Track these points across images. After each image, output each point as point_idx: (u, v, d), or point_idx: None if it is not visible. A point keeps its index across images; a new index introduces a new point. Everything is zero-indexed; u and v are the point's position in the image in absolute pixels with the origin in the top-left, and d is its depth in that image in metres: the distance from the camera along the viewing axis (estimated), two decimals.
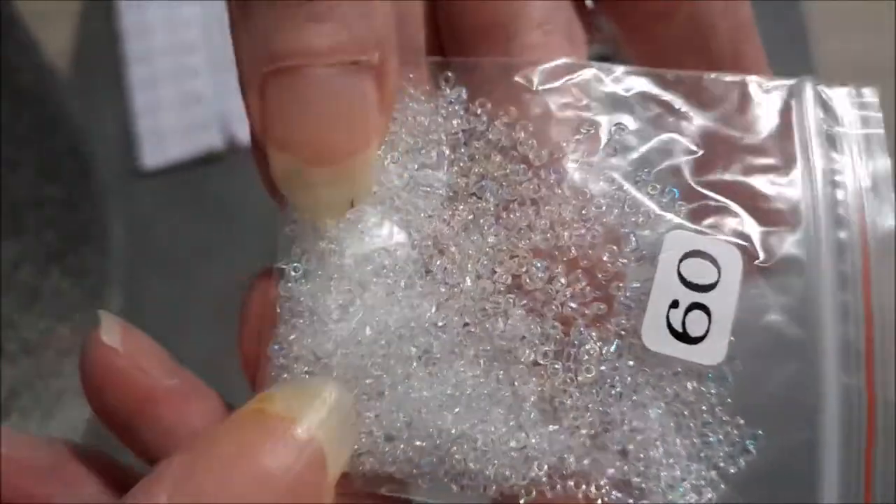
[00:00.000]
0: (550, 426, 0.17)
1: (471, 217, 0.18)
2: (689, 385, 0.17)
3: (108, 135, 0.76)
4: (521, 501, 0.17)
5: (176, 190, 0.75)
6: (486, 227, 0.18)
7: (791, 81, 0.19)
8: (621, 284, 0.18)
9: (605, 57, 0.20)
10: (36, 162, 0.40)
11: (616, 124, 0.19)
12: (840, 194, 0.18)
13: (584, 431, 0.17)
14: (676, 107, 0.19)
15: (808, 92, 0.19)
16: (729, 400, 0.17)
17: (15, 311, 0.39)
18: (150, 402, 0.18)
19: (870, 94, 0.19)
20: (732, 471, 0.17)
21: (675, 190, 0.18)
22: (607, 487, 0.17)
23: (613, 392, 0.17)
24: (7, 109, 0.39)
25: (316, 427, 0.16)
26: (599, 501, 0.17)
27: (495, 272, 0.18)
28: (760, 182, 0.19)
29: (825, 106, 0.19)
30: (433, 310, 0.18)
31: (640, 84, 0.19)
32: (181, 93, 0.77)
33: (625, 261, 0.18)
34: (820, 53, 0.78)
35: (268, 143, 0.17)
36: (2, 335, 0.38)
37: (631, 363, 0.18)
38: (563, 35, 0.19)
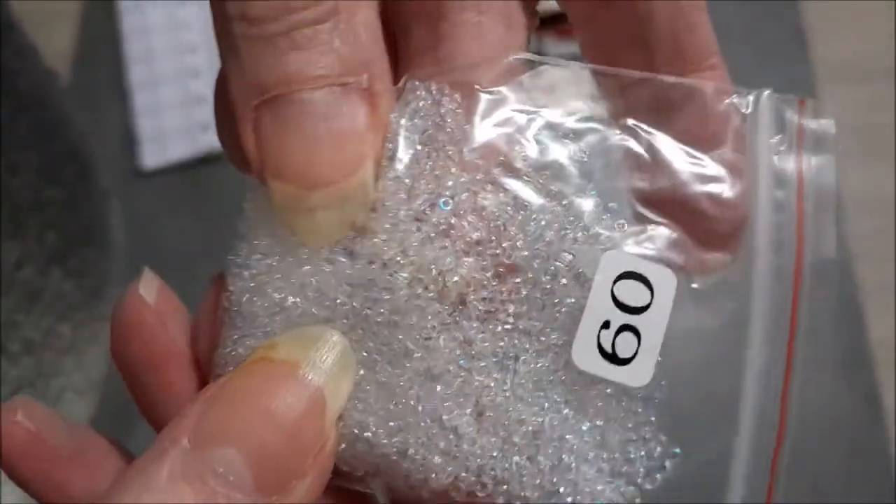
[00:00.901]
0: (485, 437, 0.17)
1: (418, 225, 0.18)
2: (617, 402, 0.18)
3: (108, 135, 0.76)
4: None
5: (176, 190, 0.75)
6: (435, 239, 0.18)
7: (750, 94, 0.19)
8: (557, 300, 0.18)
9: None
10: (36, 165, 0.41)
11: (564, 132, 0.18)
12: (782, 218, 0.18)
13: (516, 440, 0.17)
14: (629, 114, 0.19)
15: (765, 107, 0.19)
16: (653, 419, 0.18)
17: (16, 311, 0.39)
18: (165, 363, 0.19)
19: (826, 114, 0.19)
20: (648, 487, 0.18)
21: (616, 207, 0.18)
22: (532, 494, 0.17)
23: (546, 405, 0.18)
24: (7, 113, 0.39)
25: (315, 371, 0.17)
26: None
27: (446, 286, 0.18)
28: (704, 201, 0.18)
29: (780, 122, 0.19)
30: (377, 320, 0.18)
31: (594, 86, 0.19)
32: (182, 93, 0.77)
33: (564, 280, 0.18)
34: (820, 53, 0.78)
35: (265, 174, 0.17)
36: (3, 335, 0.38)
37: (564, 378, 0.18)
38: (498, 17, 0.18)
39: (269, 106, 0.17)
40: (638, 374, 0.17)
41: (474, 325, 0.18)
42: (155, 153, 0.75)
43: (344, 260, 0.18)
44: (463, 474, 0.17)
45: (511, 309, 0.18)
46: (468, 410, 0.18)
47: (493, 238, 0.18)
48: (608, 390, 0.18)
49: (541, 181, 0.18)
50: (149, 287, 0.19)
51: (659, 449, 0.18)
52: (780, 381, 0.18)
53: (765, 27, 0.78)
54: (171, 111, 0.76)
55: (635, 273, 0.18)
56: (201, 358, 0.19)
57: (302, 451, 0.16)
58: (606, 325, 0.17)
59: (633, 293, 0.18)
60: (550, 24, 0.76)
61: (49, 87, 0.46)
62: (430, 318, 0.18)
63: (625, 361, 0.17)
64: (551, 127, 0.18)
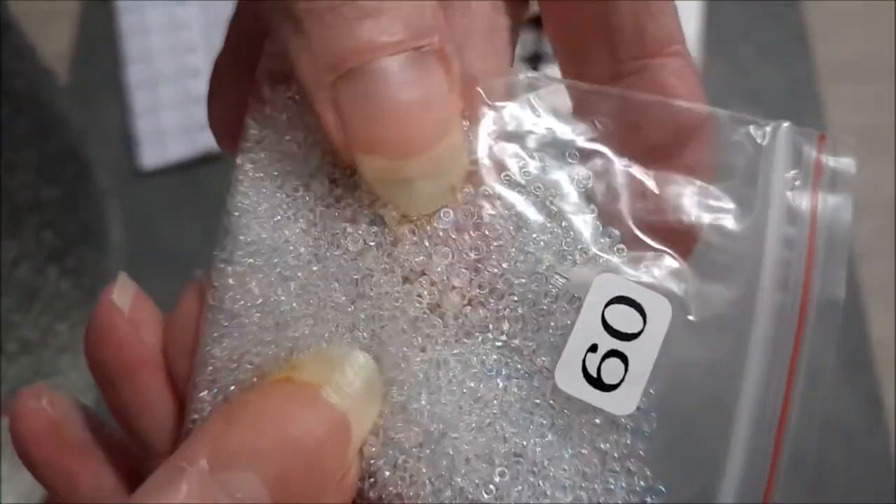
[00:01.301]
0: (470, 455, 0.17)
1: (412, 228, 0.17)
2: (604, 433, 0.17)
3: (107, 135, 0.76)
4: None
5: (176, 190, 0.75)
6: (429, 248, 0.17)
7: (767, 125, 0.18)
8: (553, 323, 0.17)
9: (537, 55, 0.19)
10: (35, 164, 0.41)
11: (570, 152, 0.18)
12: (791, 255, 0.17)
13: (496, 460, 0.17)
14: (636, 138, 0.18)
15: (782, 139, 0.18)
16: (641, 452, 0.17)
17: (14, 310, 0.39)
18: (137, 371, 0.19)
19: (846, 151, 0.18)
20: None
21: (616, 231, 0.18)
22: None
23: (531, 427, 0.17)
24: (5, 113, 0.39)
25: (340, 394, 0.16)
26: None
27: (439, 295, 0.17)
28: (709, 231, 0.17)
29: (797, 156, 0.18)
30: (362, 322, 0.17)
31: (602, 107, 0.18)
32: (181, 93, 0.77)
33: (559, 302, 0.17)
34: (820, 53, 0.78)
35: (354, 150, 0.16)
36: (1, 335, 0.38)
37: (552, 402, 0.17)
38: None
39: (347, 80, 0.16)
40: (623, 403, 0.17)
41: (465, 337, 0.17)
42: (154, 153, 0.75)
43: (331, 257, 0.17)
44: (447, 493, 0.17)
45: (505, 326, 0.17)
46: (453, 422, 0.17)
47: (494, 257, 0.17)
48: (597, 420, 0.17)
49: (544, 200, 0.18)
50: (123, 294, 0.19)
51: (642, 483, 0.17)
52: (775, 421, 0.17)
53: (765, 27, 0.78)
54: (170, 111, 0.76)
55: (629, 299, 0.17)
56: (171, 364, 0.19)
57: (323, 479, 0.16)
58: (594, 348, 0.17)
59: (624, 318, 0.17)
60: None
61: (47, 86, 0.46)
62: (419, 324, 0.17)
63: (610, 388, 0.17)
64: (557, 145, 0.18)
